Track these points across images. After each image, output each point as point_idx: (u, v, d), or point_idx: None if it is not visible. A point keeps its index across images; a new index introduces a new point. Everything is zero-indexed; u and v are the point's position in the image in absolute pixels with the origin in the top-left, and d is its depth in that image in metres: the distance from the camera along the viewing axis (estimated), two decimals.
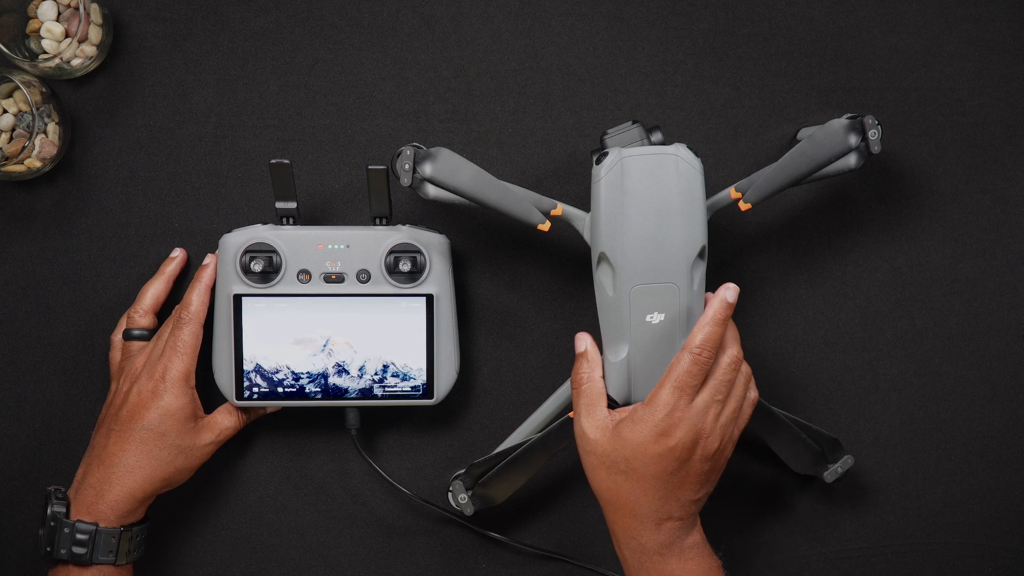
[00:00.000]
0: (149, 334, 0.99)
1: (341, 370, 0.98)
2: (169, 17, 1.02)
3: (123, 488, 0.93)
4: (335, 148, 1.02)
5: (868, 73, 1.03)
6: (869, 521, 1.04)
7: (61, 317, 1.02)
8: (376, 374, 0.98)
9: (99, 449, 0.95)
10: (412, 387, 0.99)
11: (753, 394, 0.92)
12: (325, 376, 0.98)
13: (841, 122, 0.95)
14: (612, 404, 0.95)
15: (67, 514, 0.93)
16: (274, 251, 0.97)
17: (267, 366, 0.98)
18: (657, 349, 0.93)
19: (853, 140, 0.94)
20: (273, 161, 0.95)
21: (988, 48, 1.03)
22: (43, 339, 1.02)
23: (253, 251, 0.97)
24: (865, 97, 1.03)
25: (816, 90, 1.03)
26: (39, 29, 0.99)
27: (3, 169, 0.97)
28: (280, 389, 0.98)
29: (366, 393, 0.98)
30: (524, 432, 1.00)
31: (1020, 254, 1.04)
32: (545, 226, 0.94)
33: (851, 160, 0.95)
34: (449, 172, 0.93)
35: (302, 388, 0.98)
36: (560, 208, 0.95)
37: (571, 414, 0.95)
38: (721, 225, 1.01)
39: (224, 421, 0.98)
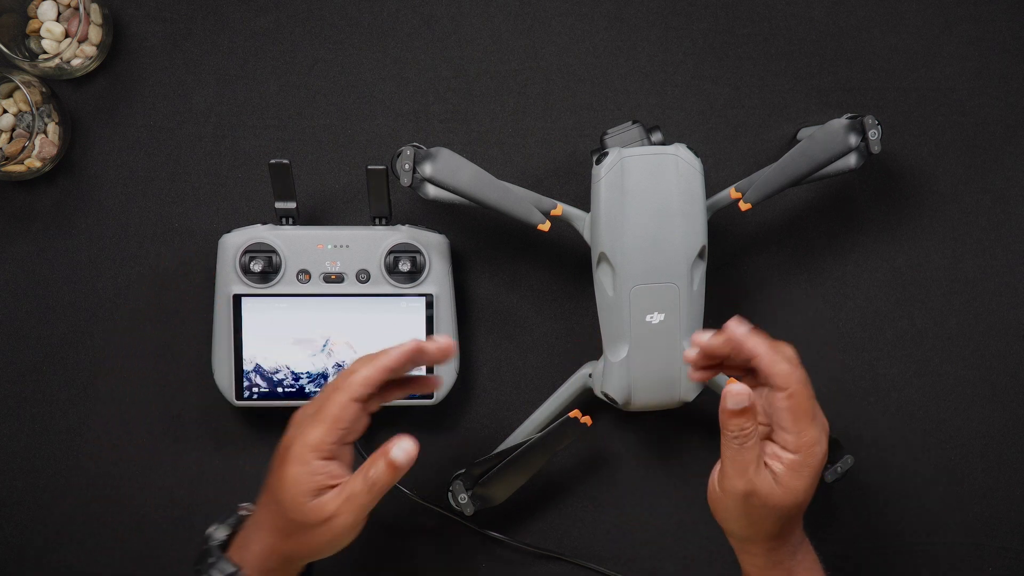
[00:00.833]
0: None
1: (341, 370, 0.98)
2: (169, 17, 1.02)
3: (260, 544, 0.86)
4: (335, 148, 1.02)
5: (868, 73, 1.03)
6: (869, 521, 1.04)
7: (61, 317, 1.02)
8: None
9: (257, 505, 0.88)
10: None
11: None
12: (325, 376, 0.98)
13: (841, 122, 0.95)
14: (612, 403, 0.95)
15: (224, 545, 0.87)
16: (274, 251, 0.97)
17: (267, 366, 0.98)
18: (657, 349, 0.93)
19: (853, 140, 0.94)
20: (273, 161, 0.95)
21: (988, 48, 1.03)
22: (43, 339, 1.02)
23: (253, 251, 0.97)
24: (865, 97, 1.03)
25: (816, 90, 1.03)
26: (39, 29, 0.99)
27: (3, 169, 0.97)
28: (280, 389, 0.98)
29: None
30: (524, 432, 1.00)
31: (1020, 254, 1.04)
32: (545, 226, 0.94)
33: (851, 160, 0.95)
34: (449, 172, 0.93)
35: (302, 388, 0.98)
36: (560, 208, 0.95)
37: (576, 414, 0.95)
38: (721, 225, 1.01)
39: (333, 508, 0.84)
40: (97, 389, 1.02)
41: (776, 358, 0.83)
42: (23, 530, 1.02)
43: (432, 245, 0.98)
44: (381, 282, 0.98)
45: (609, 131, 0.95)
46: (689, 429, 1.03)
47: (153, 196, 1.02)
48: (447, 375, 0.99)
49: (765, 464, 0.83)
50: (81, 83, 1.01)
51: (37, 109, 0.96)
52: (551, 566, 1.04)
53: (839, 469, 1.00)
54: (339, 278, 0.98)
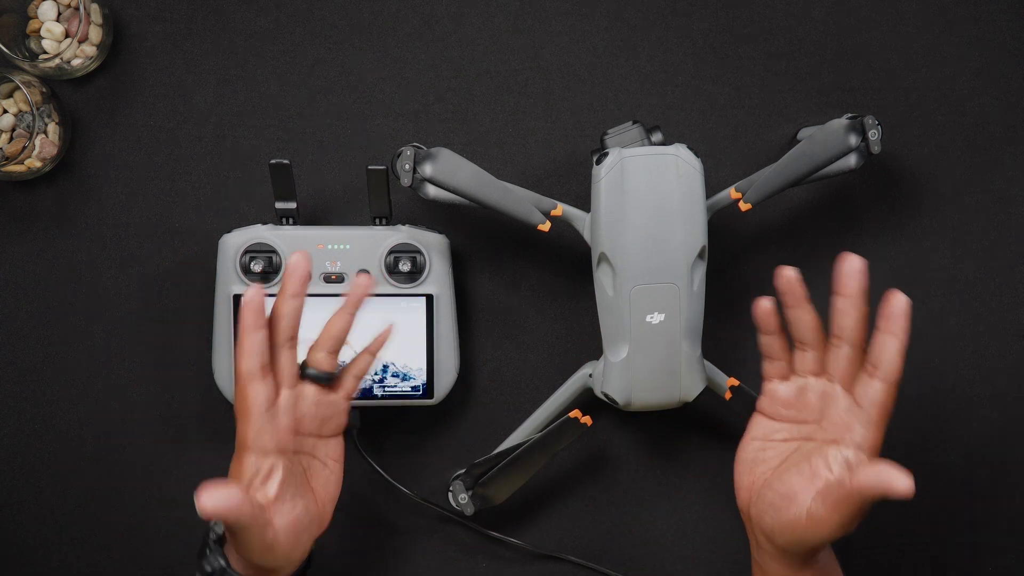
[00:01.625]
0: (328, 378, 0.88)
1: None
2: (169, 17, 1.02)
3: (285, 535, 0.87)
4: (335, 148, 1.02)
5: (868, 73, 1.03)
6: (869, 521, 1.04)
7: (61, 317, 1.02)
8: (376, 374, 0.98)
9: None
10: (412, 387, 0.99)
11: None
12: None
13: (841, 122, 0.95)
14: (612, 403, 0.95)
15: (221, 539, 0.87)
16: (274, 251, 0.97)
17: None
18: (657, 349, 0.93)
19: (853, 140, 0.94)
20: (273, 161, 0.95)
21: (988, 48, 1.03)
22: (43, 339, 1.02)
23: (253, 251, 0.97)
24: (865, 97, 1.03)
25: (816, 90, 1.03)
26: (39, 29, 0.99)
27: (3, 169, 0.97)
28: None
29: (366, 393, 0.98)
30: (524, 432, 1.00)
31: (1020, 254, 1.04)
32: (545, 226, 0.94)
33: (851, 160, 0.95)
34: (449, 172, 0.93)
35: None
36: (560, 208, 0.95)
37: (576, 414, 0.95)
38: (721, 225, 1.01)
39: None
40: (97, 389, 1.02)
41: (901, 351, 0.79)
42: (23, 530, 1.02)
43: (432, 245, 0.98)
44: (381, 282, 0.98)
45: (609, 131, 0.95)
46: (689, 429, 1.03)
47: (153, 196, 1.02)
48: (447, 375, 0.99)
49: (833, 465, 0.81)
50: (81, 83, 1.01)
51: (37, 109, 0.96)
52: (551, 566, 1.04)
53: None
54: (339, 278, 0.98)
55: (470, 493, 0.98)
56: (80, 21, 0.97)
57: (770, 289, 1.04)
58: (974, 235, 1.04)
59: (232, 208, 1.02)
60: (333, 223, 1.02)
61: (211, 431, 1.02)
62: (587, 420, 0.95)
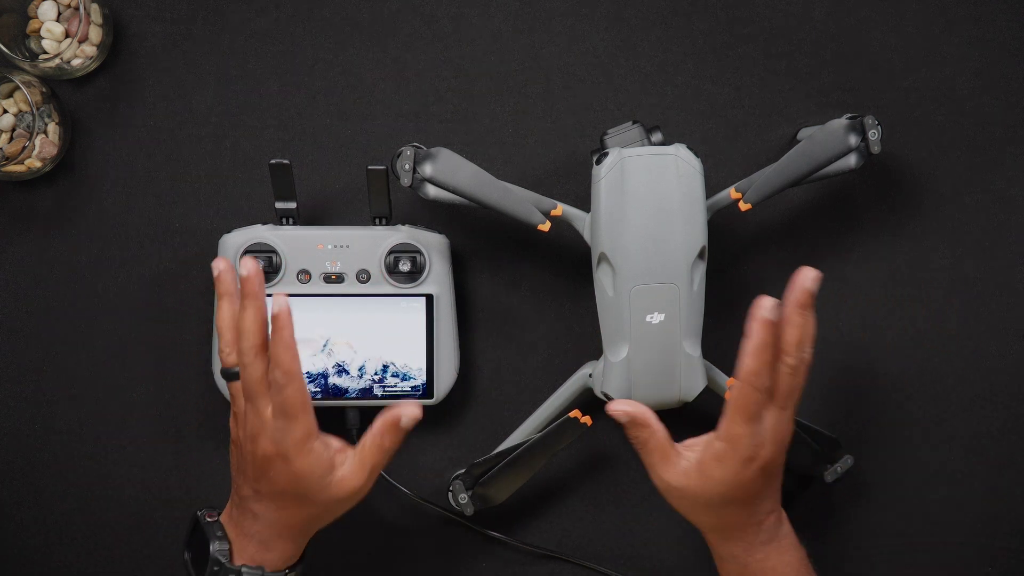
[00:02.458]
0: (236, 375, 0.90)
1: (341, 370, 0.98)
2: (169, 17, 1.02)
3: (285, 538, 0.89)
4: (335, 148, 1.02)
5: (868, 73, 1.03)
6: (869, 521, 1.04)
7: (61, 317, 1.02)
8: (376, 374, 0.98)
9: (247, 502, 0.89)
10: (412, 387, 0.99)
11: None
12: (325, 376, 0.98)
13: (841, 122, 0.95)
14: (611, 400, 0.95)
15: (230, 558, 0.88)
16: (274, 251, 0.97)
17: None
18: (657, 349, 0.93)
19: (853, 140, 0.94)
20: (273, 161, 0.95)
21: (988, 48, 1.03)
22: (43, 339, 1.02)
23: (253, 251, 0.97)
24: (865, 97, 1.03)
25: (816, 90, 1.03)
26: (39, 29, 0.99)
27: (3, 169, 0.97)
28: None
29: (366, 393, 0.98)
30: (524, 432, 1.00)
31: (1020, 254, 1.04)
32: (545, 226, 0.94)
33: (851, 160, 0.95)
34: (449, 172, 0.93)
35: None
36: (560, 208, 0.95)
37: (576, 414, 0.95)
38: (721, 225, 1.01)
39: (353, 482, 0.88)
40: (97, 389, 1.02)
41: (751, 351, 0.83)
42: (23, 530, 1.02)
43: (432, 245, 0.98)
44: (381, 282, 0.98)
45: (609, 131, 0.95)
46: (689, 429, 1.03)
47: (153, 196, 1.02)
48: (447, 375, 0.99)
49: (687, 451, 0.87)
50: (81, 83, 1.01)
51: (37, 109, 0.96)
52: (551, 566, 1.04)
53: (839, 469, 1.00)
54: (339, 278, 0.98)
55: (470, 493, 0.98)
56: (80, 21, 0.97)
57: (770, 289, 1.04)
58: (974, 235, 1.04)
59: (232, 208, 1.02)
60: (333, 223, 1.02)
61: (211, 431, 1.02)
62: (587, 420, 0.95)
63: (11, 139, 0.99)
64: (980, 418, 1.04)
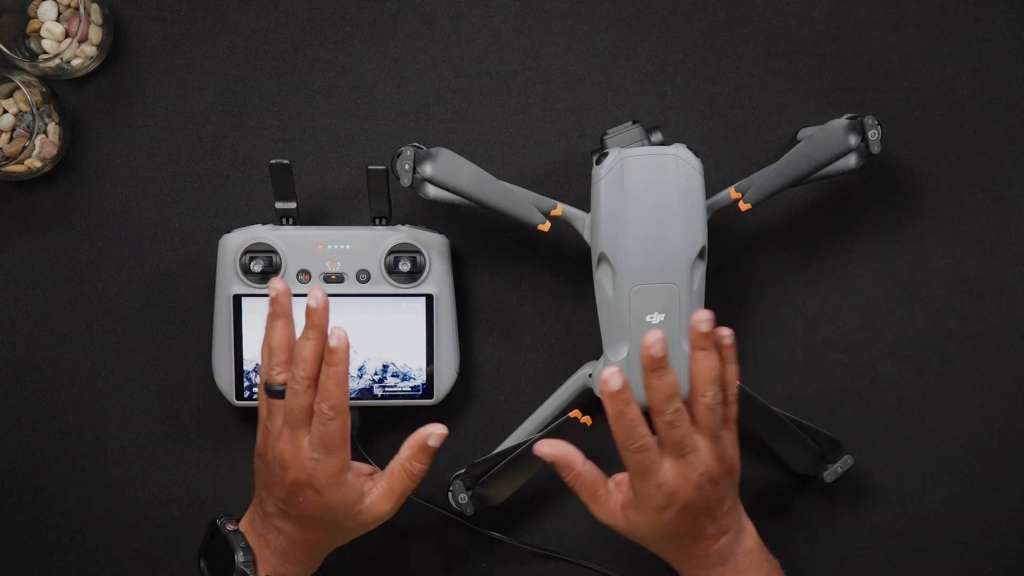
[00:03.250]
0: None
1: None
2: (169, 17, 1.02)
3: (308, 554, 0.91)
4: (335, 148, 1.02)
5: (868, 73, 1.03)
6: (869, 521, 1.04)
7: (61, 317, 1.02)
8: (376, 374, 0.98)
9: (272, 518, 0.89)
10: (412, 387, 0.99)
11: (732, 394, 0.89)
12: None
13: (841, 122, 0.95)
14: None
15: (254, 570, 0.89)
16: (274, 251, 0.97)
17: None
18: None
19: (853, 140, 0.94)
20: (273, 161, 0.95)
21: (988, 48, 1.03)
22: (43, 339, 1.02)
23: (253, 251, 0.97)
24: (865, 97, 1.03)
25: (816, 90, 1.03)
26: (39, 29, 0.99)
27: (3, 169, 0.97)
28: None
29: (366, 393, 0.98)
30: (524, 432, 1.00)
31: (1020, 254, 1.04)
32: (545, 226, 0.94)
33: (851, 160, 0.95)
34: (449, 172, 0.93)
35: None
36: (560, 208, 0.95)
37: (575, 414, 0.95)
38: (721, 225, 1.01)
39: (381, 508, 0.90)
40: (97, 389, 1.02)
41: (611, 423, 0.84)
42: (23, 530, 1.02)
43: (432, 245, 0.98)
44: (381, 282, 0.98)
45: (609, 131, 0.95)
46: None
47: (153, 196, 1.02)
48: (447, 375, 0.99)
49: (615, 491, 0.88)
50: (81, 83, 1.01)
51: (37, 109, 0.96)
52: (551, 566, 1.04)
53: (839, 469, 1.00)
54: (339, 278, 0.98)
55: (470, 493, 0.98)
56: (80, 21, 0.97)
57: (770, 289, 1.04)
58: (974, 235, 1.04)
59: (232, 208, 1.02)
60: (333, 223, 1.02)
61: (211, 431, 1.02)
62: (587, 420, 0.95)
63: (11, 139, 0.99)
64: (980, 418, 1.04)
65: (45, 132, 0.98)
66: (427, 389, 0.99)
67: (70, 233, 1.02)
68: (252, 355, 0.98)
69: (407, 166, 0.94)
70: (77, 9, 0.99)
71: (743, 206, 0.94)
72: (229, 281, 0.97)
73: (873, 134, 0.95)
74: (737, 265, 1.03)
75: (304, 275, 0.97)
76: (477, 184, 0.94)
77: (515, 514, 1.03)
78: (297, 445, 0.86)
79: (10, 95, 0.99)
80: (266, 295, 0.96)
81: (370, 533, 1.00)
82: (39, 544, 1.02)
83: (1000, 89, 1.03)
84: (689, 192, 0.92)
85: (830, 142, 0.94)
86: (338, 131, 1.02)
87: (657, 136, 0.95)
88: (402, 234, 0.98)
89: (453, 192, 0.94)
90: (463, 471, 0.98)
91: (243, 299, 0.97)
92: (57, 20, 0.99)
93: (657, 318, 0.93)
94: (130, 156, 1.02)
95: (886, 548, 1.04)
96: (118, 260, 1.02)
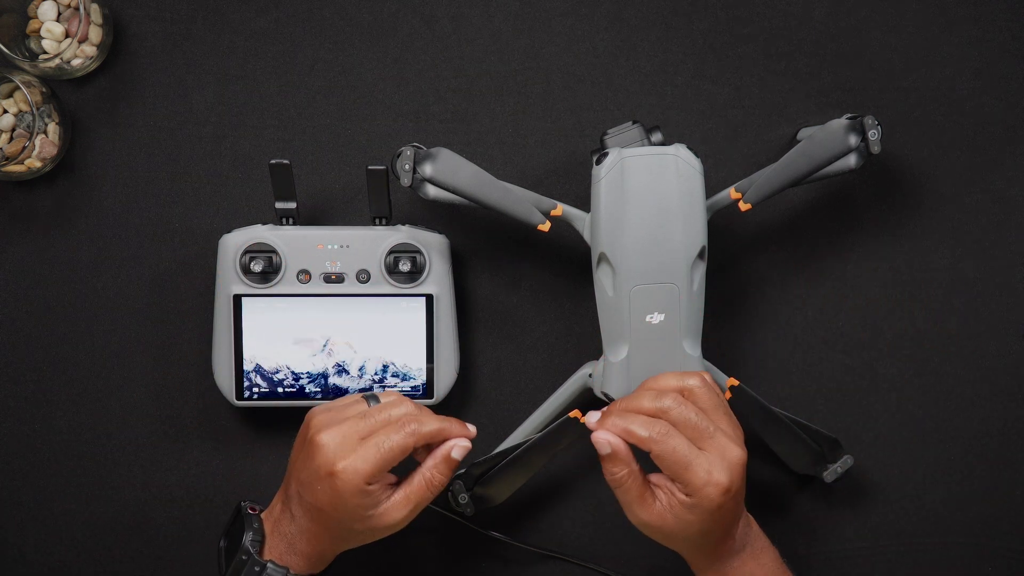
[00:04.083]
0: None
1: (341, 370, 0.98)
2: (169, 17, 1.02)
3: (312, 547, 0.90)
4: (335, 148, 1.02)
5: (868, 73, 1.03)
6: (869, 521, 1.04)
7: (61, 317, 1.02)
8: (376, 374, 0.98)
9: (291, 501, 0.90)
10: (412, 387, 0.99)
11: (707, 382, 0.89)
12: (325, 376, 0.98)
13: (841, 122, 0.95)
14: (610, 400, 0.95)
15: (260, 551, 0.90)
16: (274, 251, 0.97)
17: (267, 366, 0.98)
18: (657, 349, 0.93)
19: (853, 140, 0.94)
20: (273, 161, 0.95)
21: (988, 48, 1.03)
22: (43, 339, 1.02)
23: (253, 251, 0.97)
24: (865, 97, 1.03)
25: (816, 90, 1.03)
26: (39, 29, 0.99)
27: (3, 169, 0.97)
28: (280, 389, 0.98)
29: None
30: (524, 432, 1.00)
31: (1020, 254, 1.04)
32: (545, 226, 0.94)
33: (851, 160, 0.95)
34: (449, 172, 0.93)
35: (302, 388, 0.98)
36: (560, 208, 0.95)
37: (575, 414, 0.95)
38: (721, 225, 1.01)
39: (395, 516, 0.90)
40: (97, 389, 1.02)
41: (633, 425, 0.86)
42: (23, 530, 1.02)
43: (432, 245, 0.98)
44: (381, 282, 0.98)
45: (609, 131, 0.95)
46: None
47: (153, 196, 1.02)
48: (447, 375, 0.99)
49: (660, 492, 0.88)
50: (81, 83, 1.01)
51: (37, 109, 0.96)
52: (551, 566, 1.04)
53: (839, 469, 1.00)
54: (339, 278, 0.98)
55: (470, 493, 0.98)
56: (80, 21, 0.97)
57: (770, 289, 1.04)
58: (974, 235, 1.04)
59: (232, 208, 1.02)
60: (333, 223, 1.02)
61: (211, 431, 1.02)
62: None
63: (11, 139, 0.99)
64: (980, 418, 1.04)
65: (45, 132, 0.98)
66: (427, 389, 0.99)
67: (70, 233, 1.02)
68: (252, 355, 0.98)
69: (407, 166, 0.94)
70: (77, 9, 0.99)
71: (743, 206, 0.94)
72: (229, 281, 0.97)
73: (873, 134, 0.95)
74: (737, 265, 1.03)
75: (304, 275, 0.97)
76: (477, 184, 0.94)
77: (515, 514, 1.03)
78: (350, 445, 0.86)
79: (10, 95, 0.99)
80: (267, 295, 0.97)
81: None
82: (39, 544, 1.02)
83: (1000, 89, 1.03)
84: (689, 192, 0.92)
85: (830, 142, 0.94)
86: (338, 131, 1.02)
87: (657, 136, 0.95)
88: (402, 234, 0.98)
89: (453, 192, 0.94)
90: (463, 471, 0.98)
91: (243, 299, 0.97)
92: (57, 20, 0.99)
93: (657, 318, 0.93)
94: (130, 156, 1.02)
95: (886, 548, 1.04)
96: (118, 260, 1.02)
